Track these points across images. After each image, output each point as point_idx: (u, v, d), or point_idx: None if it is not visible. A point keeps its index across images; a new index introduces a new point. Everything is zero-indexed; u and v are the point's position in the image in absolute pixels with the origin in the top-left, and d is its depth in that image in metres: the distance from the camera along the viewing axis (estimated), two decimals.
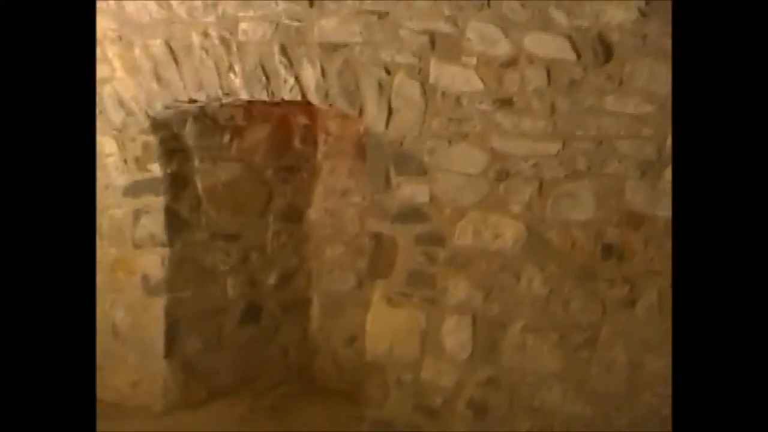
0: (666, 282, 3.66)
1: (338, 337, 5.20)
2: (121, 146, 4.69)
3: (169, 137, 4.67)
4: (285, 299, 5.11)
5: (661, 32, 3.46)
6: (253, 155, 4.89)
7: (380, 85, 3.89)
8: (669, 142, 3.56)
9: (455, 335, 3.91)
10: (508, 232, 3.79)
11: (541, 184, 3.74)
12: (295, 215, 5.09)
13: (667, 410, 3.64)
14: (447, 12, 3.72)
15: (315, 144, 5.07)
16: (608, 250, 3.72)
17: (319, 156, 5.10)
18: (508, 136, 3.72)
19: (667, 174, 3.59)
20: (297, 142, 5.03)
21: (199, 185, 4.74)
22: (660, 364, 3.67)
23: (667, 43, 3.42)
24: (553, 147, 3.69)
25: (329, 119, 5.09)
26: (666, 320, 3.66)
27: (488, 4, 3.66)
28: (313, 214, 5.16)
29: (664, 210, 3.63)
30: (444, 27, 3.74)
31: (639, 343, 3.71)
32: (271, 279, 5.04)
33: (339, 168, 5.13)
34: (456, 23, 3.73)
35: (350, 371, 5.01)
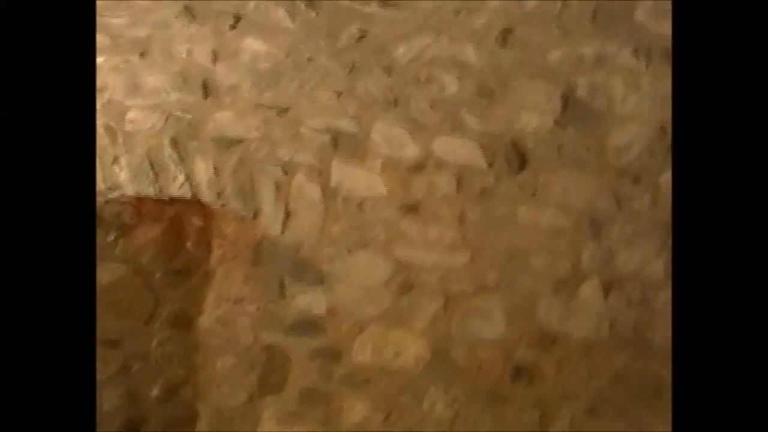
0: (579, 407, 3.43)
1: None
2: None
3: None
4: (169, 414, 4.69)
5: (577, 142, 3.31)
6: (140, 256, 4.51)
7: (277, 186, 3.60)
8: (584, 257, 3.37)
9: None
10: (411, 350, 3.49)
11: (447, 299, 3.47)
12: (184, 323, 4.67)
13: None
14: (351, 111, 3.48)
15: (209, 247, 4.73)
16: (518, 372, 3.45)
17: (213, 260, 4.75)
18: (414, 246, 3.46)
19: (582, 291, 3.39)
20: (189, 245, 4.69)
21: None
22: None
23: (585, 153, 3.27)
24: (462, 259, 3.44)
25: (225, 222, 4.75)
26: None
27: (395, 104, 3.45)
28: (204, 322, 4.79)
29: (578, 329, 3.42)
30: (348, 126, 3.49)
31: None
32: (154, 391, 4.63)
33: (234, 274, 4.77)
34: (361, 123, 3.48)
35: None
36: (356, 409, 3.53)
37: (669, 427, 3.41)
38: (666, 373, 3.39)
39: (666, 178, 3.30)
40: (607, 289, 3.41)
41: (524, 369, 3.46)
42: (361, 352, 3.53)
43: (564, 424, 3.43)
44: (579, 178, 3.33)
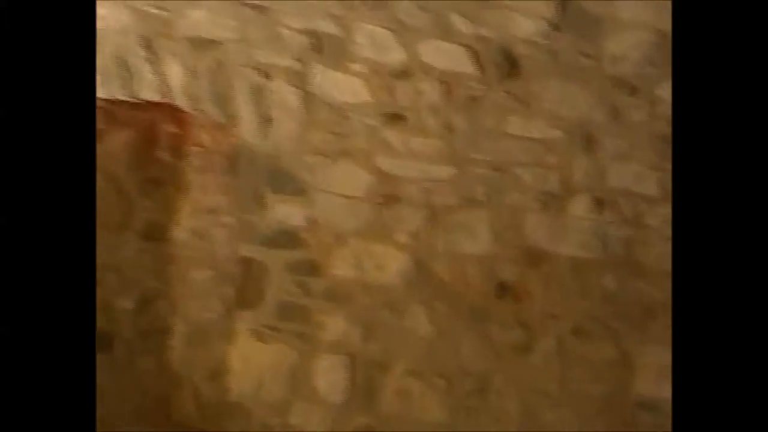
0: (566, 327, 3.33)
1: (201, 371, 4.68)
2: None
3: None
4: (142, 327, 4.57)
5: (573, 49, 3.14)
6: (111, 164, 4.34)
7: (256, 91, 3.41)
8: (576, 171, 3.23)
9: (329, 376, 3.41)
10: (393, 264, 3.34)
11: (431, 212, 3.32)
12: (157, 234, 4.52)
13: None
14: (334, 11, 3.24)
15: (183, 155, 4.56)
16: (503, 289, 3.34)
17: (189, 169, 4.59)
18: (397, 156, 3.28)
19: (572, 207, 3.27)
20: (164, 153, 4.52)
21: None
22: (556, 416, 3.33)
23: (580, 61, 3.11)
24: (447, 171, 3.28)
25: (200, 128, 4.58)
26: (565, 369, 3.34)
27: (382, 5, 3.23)
28: (179, 233, 4.64)
29: (567, 247, 3.30)
30: (330, 28, 3.25)
31: (534, 394, 3.36)
32: (128, 303, 4.51)
33: (210, 184, 4.62)
34: (344, 24, 3.25)
35: (212, 410, 4.51)
36: (336, 324, 3.38)
37: (660, 348, 3.42)
38: (658, 293, 3.31)
39: (664, 89, 3.17)
40: (598, 205, 3.29)
41: (510, 286, 3.34)
42: (342, 266, 3.37)
43: (550, 343, 3.34)
44: (573, 88, 3.19)
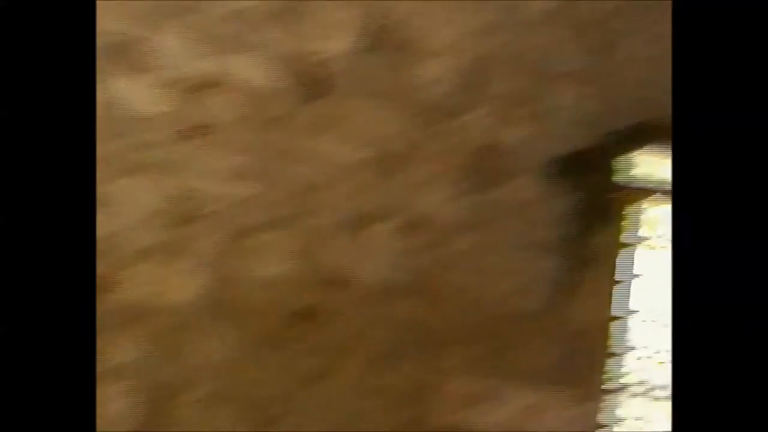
0: (368, 354, 3.25)
1: None
2: None
3: None
4: None
5: (387, 70, 3.05)
6: None
7: None
8: (384, 195, 3.14)
9: (115, 403, 3.20)
10: (188, 286, 3.13)
11: (233, 232, 3.14)
12: None
13: None
14: (133, 14, 2.96)
15: None
16: (304, 315, 3.20)
17: None
18: (197, 173, 3.07)
19: (379, 231, 3.17)
20: None
21: None
22: None
23: (393, 82, 3.03)
24: (250, 190, 3.10)
25: None
26: (361, 399, 3.26)
27: (190, 11, 2.99)
28: None
29: (370, 272, 3.20)
30: (132, 32, 2.96)
31: (334, 426, 3.26)
32: None
33: None
34: (143, 31, 2.98)
35: None
36: (123, 347, 3.15)
37: (459, 378, 3.39)
38: (459, 322, 3.28)
39: (476, 115, 3.14)
40: (406, 230, 3.21)
41: (311, 312, 3.21)
42: (131, 286, 3.12)
43: (351, 372, 3.24)
44: (383, 111, 3.08)
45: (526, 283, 3.22)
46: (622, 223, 3.29)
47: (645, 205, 3.55)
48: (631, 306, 3.43)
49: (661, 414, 3.91)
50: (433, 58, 3.06)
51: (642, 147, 3.50)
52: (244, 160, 3.09)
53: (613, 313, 3.29)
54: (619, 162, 3.25)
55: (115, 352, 3.13)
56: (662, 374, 3.94)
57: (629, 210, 3.34)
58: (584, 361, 3.26)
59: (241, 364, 3.16)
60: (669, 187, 3.68)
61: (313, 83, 3.05)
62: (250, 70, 3.04)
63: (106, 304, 3.08)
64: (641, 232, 3.57)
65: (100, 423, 3.12)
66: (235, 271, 3.15)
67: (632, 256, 3.43)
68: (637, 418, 3.99)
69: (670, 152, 3.92)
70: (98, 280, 2.98)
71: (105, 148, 2.93)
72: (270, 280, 3.15)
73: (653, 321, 3.98)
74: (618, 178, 3.28)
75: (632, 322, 3.67)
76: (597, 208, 3.22)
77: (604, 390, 3.30)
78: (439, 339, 3.23)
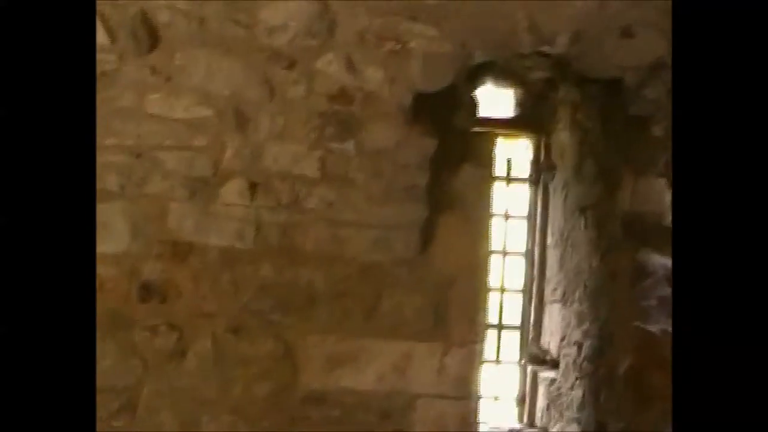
0: (222, 325, 2.95)
1: None
2: None
3: None
4: None
5: (223, 17, 2.68)
6: None
7: None
8: (227, 154, 2.82)
9: None
10: None
11: None
12: None
13: None
14: None
15: None
16: (147, 290, 2.88)
17: None
18: None
19: (223, 194, 2.86)
20: None
21: None
22: (219, 424, 2.98)
23: (232, 30, 2.66)
24: None
25: None
26: (224, 371, 2.99)
27: None
28: None
29: (218, 238, 2.90)
30: None
31: (191, 403, 2.96)
32: None
33: None
34: None
35: None
36: None
37: (323, 337, 3.19)
38: (319, 281, 3.03)
39: (324, 62, 2.82)
40: (252, 189, 2.90)
41: (155, 286, 2.89)
42: None
43: (205, 344, 2.94)
44: (224, 61, 2.73)
45: (387, 233, 3.02)
46: (482, 161, 3.15)
47: (500, 141, 3.45)
48: (496, 247, 3.34)
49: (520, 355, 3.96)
50: (277, 2, 2.72)
51: (493, 83, 3.36)
52: None
53: (479, 255, 3.16)
54: (473, 99, 3.07)
55: None
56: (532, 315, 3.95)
57: (487, 148, 3.20)
58: (452, 307, 3.14)
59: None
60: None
61: (140, 36, 2.65)
62: None
63: None
64: (499, 170, 3.47)
65: None
66: None
67: (493, 194, 3.32)
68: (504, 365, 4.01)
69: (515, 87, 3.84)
70: None
71: None
72: (105, 256, 2.78)
73: (517, 259, 3.95)
74: (474, 116, 3.11)
75: (498, 262, 3.60)
76: (456, 149, 3.04)
77: (474, 336, 3.21)
78: (301, 301, 2.97)
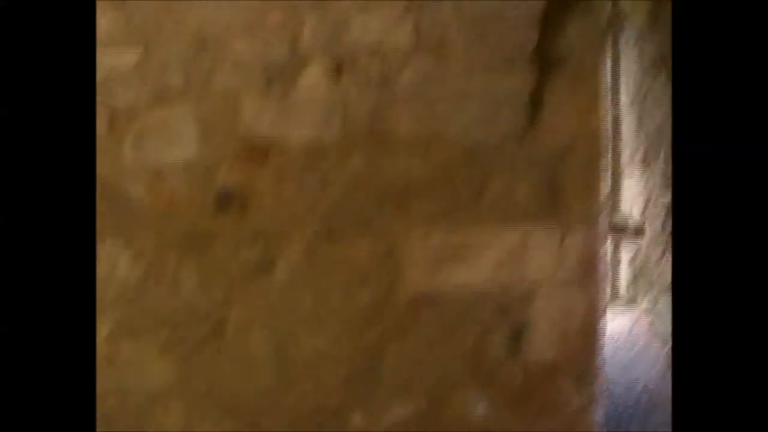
0: (312, 229, 2.60)
1: None
2: None
3: None
4: None
5: None
6: None
7: None
8: (306, 32, 2.41)
9: None
10: None
11: (111, 117, 2.40)
12: None
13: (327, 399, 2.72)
14: None
15: None
16: (226, 200, 2.51)
17: None
18: None
19: (303, 80, 2.45)
20: None
21: None
22: (317, 341, 2.66)
23: None
24: (125, 59, 2.34)
25: None
26: (319, 280, 2.64)
27: None
28: None
29: (299, 131, 2.52)
30: None
31: (284, 321, 2.63)
32: None
33: None
34: None
35: None
36: None
37: (427, 231, 2.83)
38: (416, 168, 2.66)
39: None
40: (336, 71, 2.51)
41: (233, 193, 2.53)
42: None
43: (296, 253, 2.61)
44: None
45: (492, 107, 2.62)
46: (591, 13, 2.71)
47: None
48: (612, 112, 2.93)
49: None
50: None
51: None
52: (108, 20, 2.28)
53: (594, 119, 2.76)
54: None
55: None
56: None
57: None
58: (569, 183, 2.77)
59: (157, 278, 2.49)
60: None
61: None
62: None
63: None
64: (605, 27, 3.02)
65: None
66: (126, 162, 2.40)
67: (603, 54, 2.88)
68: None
69: None
70: None
71: None
72: (173, 166, 2.42)
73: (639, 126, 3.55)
74: None
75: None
76: (565, 2, 2.61)
77: (595, 212, 2.84)
78: (396, 194, 2.58)
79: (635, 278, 5.45)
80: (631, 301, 5.32)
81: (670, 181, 4.19)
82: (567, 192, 2.75)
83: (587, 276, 2.81)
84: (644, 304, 5.17)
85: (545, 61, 2.64)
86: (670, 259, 4.26)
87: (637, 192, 5.26)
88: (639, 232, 5.14)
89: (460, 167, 2.67)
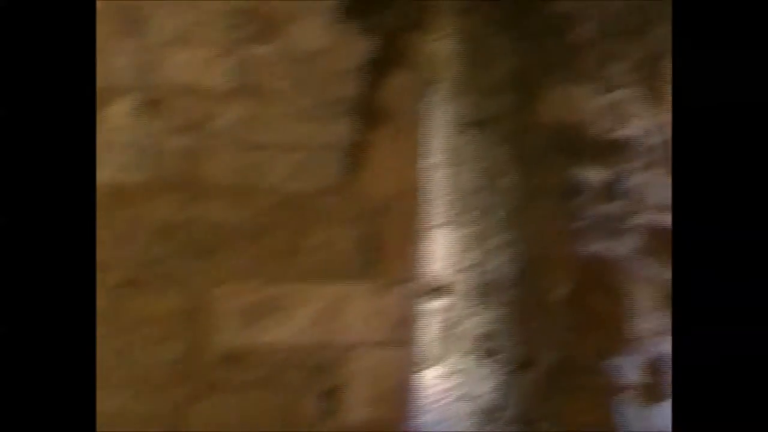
0: (114, 278, 2.40)
1: None
2: None
3: None
4: None
5: None
6: None
7: None
8: (116, 64, 2.23)
9: None
10: None
11: None
12: None
13: None
14: None
15: None
16: None
17: None
18: None
19: (110, 116, 2.26)
20: None
21: None
22: (118, 401, 2.45)
23: None
24: None
25: None
26: (119, 335, 2.43)
27: None
28: None
29: (105, 171, 2.30)
30: None
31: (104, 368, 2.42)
32: None
33: None
34: None
35: None
36: None
37: (241, 285, 2.67)
38: (231, 216, 2.51)
39: None
40: (148, 109, 2.30)
41: None
42: None
43: (99, 303, 2.40)
44: None
45: (313, 156, 2.53)
46: (415, 65, 2.68)
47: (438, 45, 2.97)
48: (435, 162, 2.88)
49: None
50: None
51: None
52: None
53: (414, 174, 2.71)
54: None
55: None
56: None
57: (421, 52, 2.72)
58: (388, 238, 2.70)
59: None
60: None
61: None
62: None
63: None
64: (434, 76, 2.99)
65: None
66: None
67: (424, 108, 2.84)
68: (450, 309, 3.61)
69: None
70: None
71: None
72: None
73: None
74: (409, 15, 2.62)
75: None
76: (390, 54, 2.56)
77: (413, 270, 2.78)
78: (207, 244, 2.44)
79: (444, 337, 5.47)
80: (440, 359, 5.33)
81: (474, 241, 4.25)
82: (386, 248, 2.70)
83: (403, 335, 2.76)
84: (453, 362, 5.18)
85: (368, 112, 2.60)
86: (487, 318, 4.30)
87: (445, 250, 5.31)
88: (446, 290, 5.17)
89: (277, 218, 2.56)
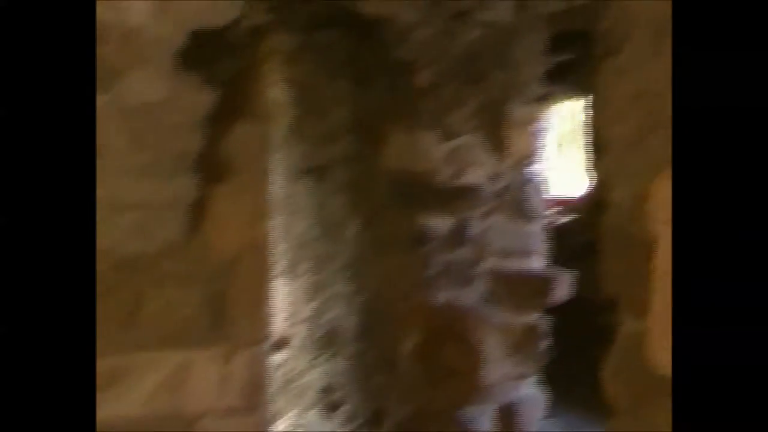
0: None
1: None
2: None
3: None
4: None
5: None
6: None
7: None
8: None
9: None
10: None
11: None
12: None
13: None
14: None
15: None
16: None
17: None
18: None
19: None
20: None
21: None
22: None
23: None
24: None
25: None
26: None
27: None
28: None
29: None
30: None
31: None
32: None
33: None
34: None
35: None
36: None
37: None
38: None
39: None
40: None
41: None
42: None
43: None
44: None
45: (144, 217, 2.34)
46: (259, 117, 2.54)
47: (274, 92, 2.84)
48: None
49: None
50: None
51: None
52: None
53: (260, 231, 2.56)
54: (259, 41, 2.45)
55: None
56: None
57: (260, 102, 2.58)
58: (234, 300, 2.54)
59: None
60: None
61: None
62: None
63: None
64: (273, 125, 2.85)
65: None
66: None
67: (269, 162, 2.71)
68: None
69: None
70: None
71: None
72: None
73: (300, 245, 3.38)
74: (257, 59, 2.49)
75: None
76: (230, 104, 2.42)
77: (262, 332, 2.62)
78: None
79: (284, 391, 5.33)
80: (278, 414, 5.19)
81: (312, 291, 4.16)
82: (232, 309, 2.56)
83: (253, 399, 2.62)
84: (294, 417, 5.05)
85: (210, 166, 2.47)
86: (320, 368, 4.20)
87: (282, 302, 5.19)
88: (284, 342, 5.05)
89: (112, 282, 2.38)
